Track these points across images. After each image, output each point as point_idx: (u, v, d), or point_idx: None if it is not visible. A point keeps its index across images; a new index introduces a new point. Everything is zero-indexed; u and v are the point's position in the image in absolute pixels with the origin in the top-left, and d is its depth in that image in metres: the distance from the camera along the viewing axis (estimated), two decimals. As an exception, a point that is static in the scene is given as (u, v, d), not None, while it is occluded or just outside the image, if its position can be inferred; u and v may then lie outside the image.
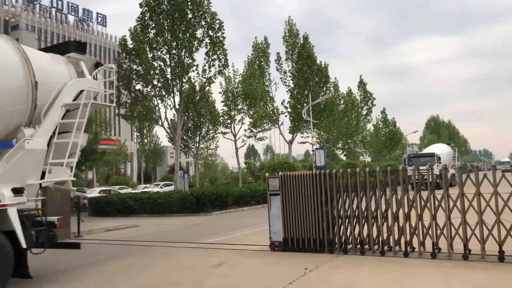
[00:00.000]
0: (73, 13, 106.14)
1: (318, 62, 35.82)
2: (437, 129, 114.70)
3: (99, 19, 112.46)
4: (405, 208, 8.06)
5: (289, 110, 36.36)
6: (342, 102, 45.89)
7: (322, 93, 35.35)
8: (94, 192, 30.99)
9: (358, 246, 8.48)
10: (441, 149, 38.61)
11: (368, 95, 51.76)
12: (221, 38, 25.78)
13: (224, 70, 26.98)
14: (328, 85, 37.64)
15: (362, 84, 52.30)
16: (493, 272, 6.53)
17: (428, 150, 41.29)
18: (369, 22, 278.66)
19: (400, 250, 8.10)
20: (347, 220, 8.60)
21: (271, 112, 37.02)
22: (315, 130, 39.79)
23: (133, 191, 36.18)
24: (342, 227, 8.62)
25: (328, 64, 36.43)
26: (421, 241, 7.83)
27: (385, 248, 8.20)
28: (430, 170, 8.19)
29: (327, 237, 8.63)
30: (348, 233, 8.59)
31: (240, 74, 34.56)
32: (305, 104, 34.43)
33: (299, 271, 7.18)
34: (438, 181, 8.53)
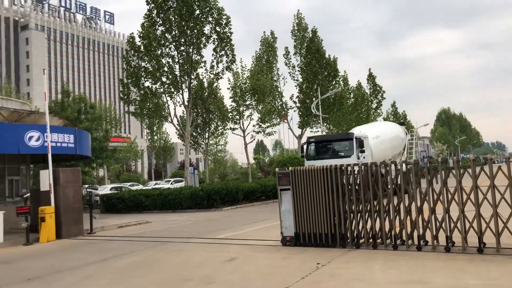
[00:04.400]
0: (81, 12, 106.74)
1: (326, 56, 35.60)
2: (448, 122, 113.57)
3: (107, 17, 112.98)
4: (417, 202, 7.98)
5: (298, 105, 36.24)
6: (351, 96, 45.58)
7: (331, 87, 35.16)
8: (105, 189, 31.26)
9: (371, 240, 8.43)
10: (378, 130, 22.80)
11: (378, 88, 51.39)
12: (228, 34, 25.73)
13: (232, 65, 26.95)
14: (337, 79, 37.40)
15: (371, 78, 51.93)
16: (507, 265, 6.44)
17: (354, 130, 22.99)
18: (375, 16, 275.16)
19: (413, 244, 8.04)
20: (359, 214, 8.55)
21: (279, 107, 36.93)
22: (325, 124, 39.64)
23: (144, 188, 36.41)
24: (354, 221, 8.57)
25: (337, 58, 36.20)
26: (434, 235, 7.75)
27: (398, 242, 8.14)
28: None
29: (339, 231, 8.59)
30: (360, 228, 8.54)
31: (248, 69, 34.56)
32: (314, 99, 34.29)
33: (311, 266, 7.16)
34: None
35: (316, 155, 19.87)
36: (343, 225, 8.61)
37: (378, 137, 21.48)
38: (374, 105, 50.98)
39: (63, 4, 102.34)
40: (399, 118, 55.33)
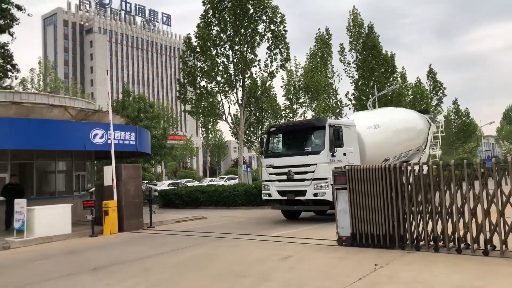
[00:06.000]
0: (140, 14, 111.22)
1: (383, 52, 34.56)
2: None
3: (164, 18, 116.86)
4: (483, 204, 7.54)
5: (353, 102, 35.49)
6: (410, 92, 43.88)
7: (388, 84, 34.10)
8: (163, 185, 32.36)
9: (432, 242, 8.08)
10: (379, 118, 16.98)
11: (439, 85, 49.07)
12: (283, 32, 25.66)
13: (286, 64, 26.84)
14: (395, 75, 36.16)
15: (431, 74, 49.69)
16: None
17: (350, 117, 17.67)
18: (434, 10, 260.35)
19: (479, 248, 7.61)
20: (419, 215, 8.23)
21: (334, 105, 36.38)
22: (381, 122, 38.43)
23: (199, 184, 37.32)
24: (413, 222, 8.27)
25: (394, 54, 35.01)
26: (503, 239, 7.29)
27: (462, 245, 7.74)
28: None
29: (397, 232, 8.32)
30: (420, 229, 8.22)
31: (302, 67, 34.36)
32: (370, 96, 33.40)
33: (369, 267, 7.00)
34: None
35: (277, 150, 14.89)
36: (402, 226, 8.33)
37: (378, 127, 15.74)
38: (434, 102, 48.76)
39: (123, 7, 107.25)
40: (461, 116, 52.66)
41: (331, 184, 11.91)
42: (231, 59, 25.87)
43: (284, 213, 15.45)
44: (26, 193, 15.20)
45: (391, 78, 35.16)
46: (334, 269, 7.14)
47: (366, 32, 34.90)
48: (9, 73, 27.58)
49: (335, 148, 12.98)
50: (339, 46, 36.43)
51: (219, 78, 26.10)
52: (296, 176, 13.18)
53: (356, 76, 35.29)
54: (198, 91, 26.48)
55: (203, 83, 26.53)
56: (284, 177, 13.49)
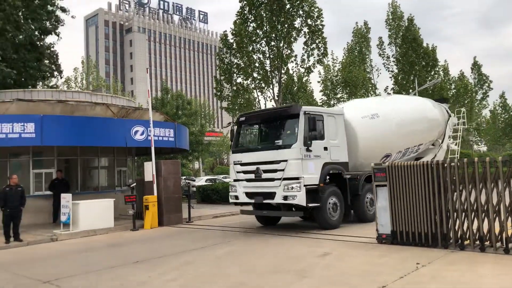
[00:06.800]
0: (177, 13, 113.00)
1: (424, 45, 33.51)
2: None
3: (201, 16, 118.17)
4: (534, 202, 7.17)
5: (392, 97, 34.69)
6: (452, 86, 42.36)
7: (429, 78, 33.04)
8: (201, 181, 32.82)
9: (477, 242, 7.78)
10: (379, 106, 14.48)
11: (484, 78, 46.99)
12: (320, 26, 25.36)
13: (323, 59, 26.51)
14: (437, 69, 34.99)
15: (476, 66, 47.67)
16: None
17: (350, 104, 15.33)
18: (477, 0, 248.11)
19: (529, 248, 7.25)
20: (463, 214, 7.93)
21: (372, 100, 35.70)
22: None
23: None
24: (457, 221, 7.98)
25: (436, 47, 33.85)
26: (556, 240, 6.91)
27: (510, 245, 7.41)
28: None
29: (440, 231, 8.06)
30: (464, 228, 7.93)
31: (339, 62, 33.86)
32: (410, 90, 32.51)
33: (410, 266, 6.82)
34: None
35: (247, 143, 12.81)
36: (445, 224, 8.06)
37: (376, 117, 13.15)
38: (479, 97, 46.79)
39: (162, 6, 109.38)
40: (508, 111, 50.24)
41: (305, 186, 10.55)
42: (267, 55, 25.83)
43: (258, 219, 13.28)
44: (71, 187, 15.85)
45: (433, 72, 34.09)
46: (374, 267, 7.01)
47: (406, 25, 34.00)
48: (55, 73, 28.76)
49: (311, 141, 10.87)
50: (378, 40, 35.71)
51: (255, 75, 26.13)
52: (264, 175, 11.08)
53: (396, 70, 34.46)
54: (235, 88, 26.62)
55: (239, 80, 26.65)
56: (253, 176, 11.39)
